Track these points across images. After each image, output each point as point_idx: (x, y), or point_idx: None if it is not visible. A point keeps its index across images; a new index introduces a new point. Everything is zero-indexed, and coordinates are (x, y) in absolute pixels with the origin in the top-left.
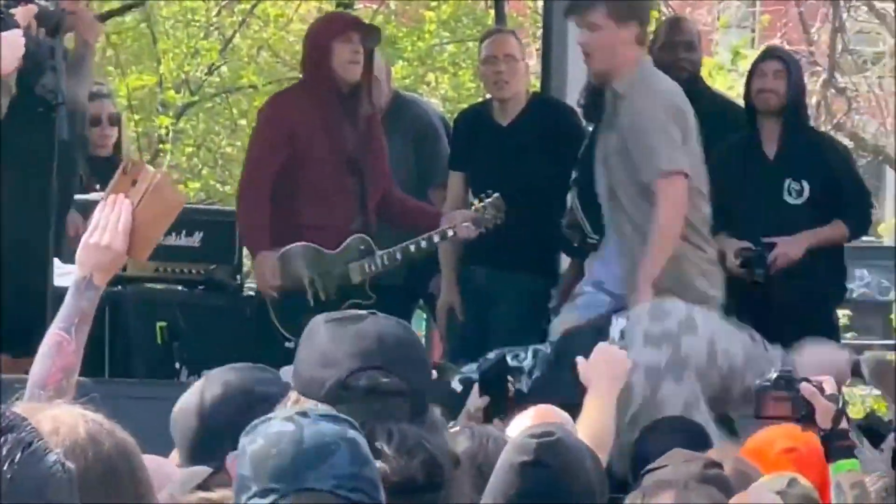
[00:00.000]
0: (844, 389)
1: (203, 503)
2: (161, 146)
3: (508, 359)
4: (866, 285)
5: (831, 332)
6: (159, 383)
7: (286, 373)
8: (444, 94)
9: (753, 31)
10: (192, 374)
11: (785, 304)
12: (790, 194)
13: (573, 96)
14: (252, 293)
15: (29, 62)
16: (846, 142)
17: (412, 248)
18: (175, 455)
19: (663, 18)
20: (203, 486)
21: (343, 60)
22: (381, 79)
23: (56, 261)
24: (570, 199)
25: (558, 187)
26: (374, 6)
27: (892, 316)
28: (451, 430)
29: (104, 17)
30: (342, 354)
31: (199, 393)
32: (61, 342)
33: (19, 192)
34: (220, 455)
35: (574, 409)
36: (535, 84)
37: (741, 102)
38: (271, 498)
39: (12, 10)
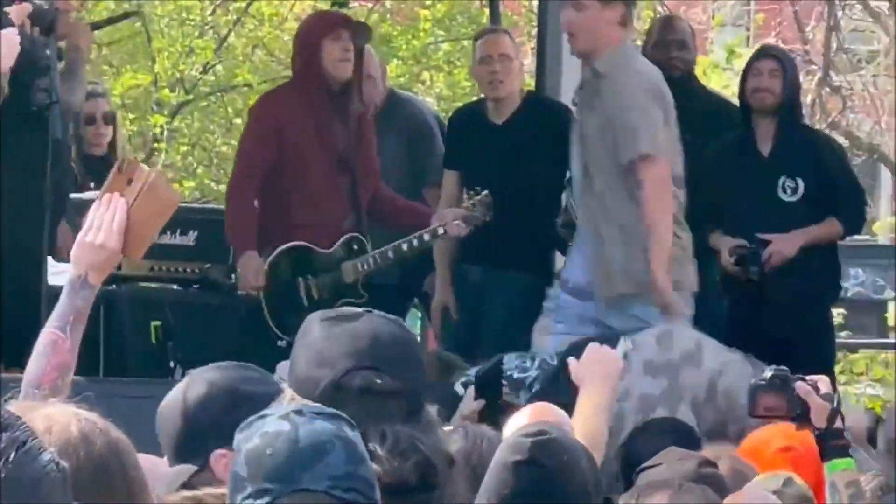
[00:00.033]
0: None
1: (186, 502)
2: (156, 145)
3: (514, 370)
4: (861, 284)
5: (826, 330)
6: (154, 382)
7: (283, 367)
8: (439, 92)
9: (748, 29)
10: (186, 373)
11: (779, 302)
12: (785, 192)
13: (568, 95)
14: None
15: (23, 61)
16: (841, 140)
17: (405, 246)
18: None
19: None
20: (188, 484)
21: (333, 58)
22: (375, 77)
23: (49, 259)
24: (565, 198)
25: (553, 186)
26: (370, 5)
27: (887, 314)
28: (446, 430)
29: (97, 26)
30: (336, 354)
31: (182, 392)
32: (56, 341)
33: (13, 191)
34: (205, 454)
35: (568, 408)
36: (530, 83)
37: (736, 101)
38: (266, 499)
39: (6, 9)
